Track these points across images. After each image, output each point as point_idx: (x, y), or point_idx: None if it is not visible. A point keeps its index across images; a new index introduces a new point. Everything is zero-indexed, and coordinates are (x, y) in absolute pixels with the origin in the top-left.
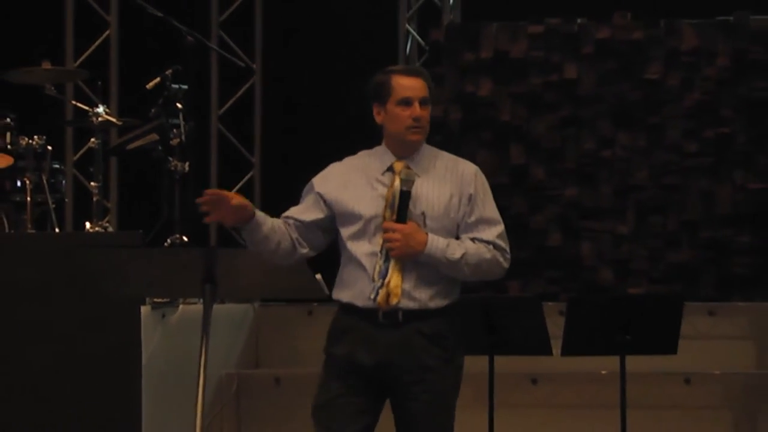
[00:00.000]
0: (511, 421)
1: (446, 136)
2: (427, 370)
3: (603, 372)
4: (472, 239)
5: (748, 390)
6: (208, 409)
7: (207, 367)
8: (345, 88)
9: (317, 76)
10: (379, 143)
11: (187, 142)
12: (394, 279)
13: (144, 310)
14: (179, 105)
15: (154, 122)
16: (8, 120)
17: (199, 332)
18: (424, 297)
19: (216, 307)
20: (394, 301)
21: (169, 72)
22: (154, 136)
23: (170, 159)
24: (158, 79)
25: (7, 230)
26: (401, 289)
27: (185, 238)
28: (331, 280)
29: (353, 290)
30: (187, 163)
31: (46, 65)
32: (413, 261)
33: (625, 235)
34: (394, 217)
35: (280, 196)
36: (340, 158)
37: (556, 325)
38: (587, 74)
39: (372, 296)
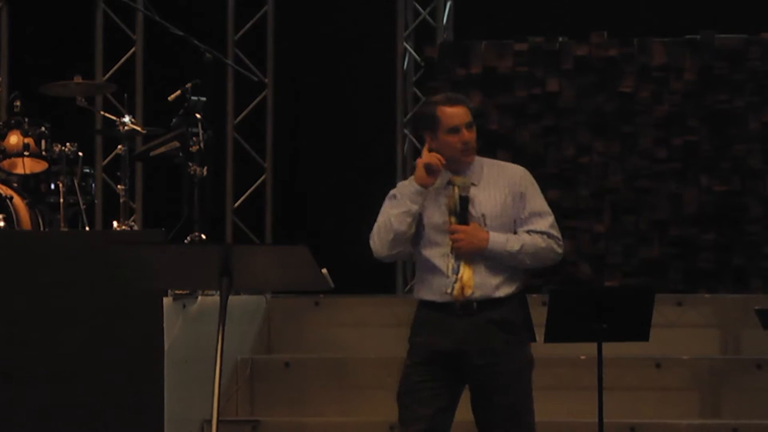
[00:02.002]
0: None
1: None
2: (497, 353)
3: (582, 357)
4: (528, 231)
5: (713, 373)
6: (225, 390)
7: (223, 352)
8: (348, 99)
9: (323, 89)
10: (376, 151)
11: (206, 149)
12: (465, 273)
13: (166, 301)
14: (198, 115)
15: (176, 131)
16: (43, 129)
17: (216, 321)
18: (492, 285)
19: (231, 298)
20: (468, 292)
21: (189, 85)
22: (176, 144)
23: (190, 164)
24: (179, 91)
25: (42, 229)
26: (473, 281)
27: (203, 236)
28: (335, 275)
29: (432, 289)
30: (205, 168)
31: (78, 79)
32: (480, 256)
33: (602, 233)
34: (458, 220)
35: (290, 197)
36: (342, 162)
37: (539, 315)
38: (567, 87)
39: (449, 291)
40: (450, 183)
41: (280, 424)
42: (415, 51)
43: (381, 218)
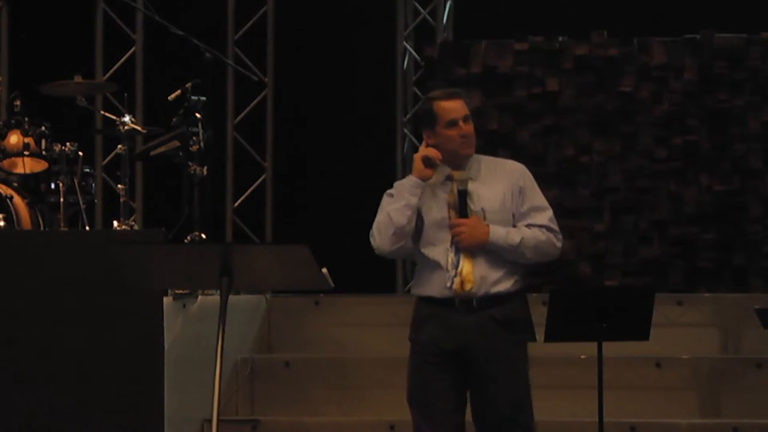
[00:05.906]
0: None
1: None
2: (500, 352)
3: (582, 357)
4: (527, 225)
5: (712, 373)
6: (225, 389)
7: (223, 351)
8: (348, 99)
9: (323, 89)
10: (378, 150)
11: (206, 149)
12: (465, 267)
13: (166, 300)
14: (198, 115)
15: (176, 130)
16: (44, 128)
17: (217, 320)
18: (492, 280)
19: (231, 297)
20: (468, 287)
21: (189, 85)
22: (176, 143)
23: (190, 164)
24: (179, 91)
25: (42, 228)
26: (473, 276)
27: (203, 236)
28: (335, 275)
29: (431, 285)
30: (205, 168)
31: (78, 79)
32: (480, 250)
33: (602, 233)
34: (458, 215)
35: (290, 197)
36: (342, 162)
37: (539, 314)
38: (567, 87)
39: (448, 285)
40: (449, 178)
41: (280, 424)
42: (415, 50)
43: (380, 215)
